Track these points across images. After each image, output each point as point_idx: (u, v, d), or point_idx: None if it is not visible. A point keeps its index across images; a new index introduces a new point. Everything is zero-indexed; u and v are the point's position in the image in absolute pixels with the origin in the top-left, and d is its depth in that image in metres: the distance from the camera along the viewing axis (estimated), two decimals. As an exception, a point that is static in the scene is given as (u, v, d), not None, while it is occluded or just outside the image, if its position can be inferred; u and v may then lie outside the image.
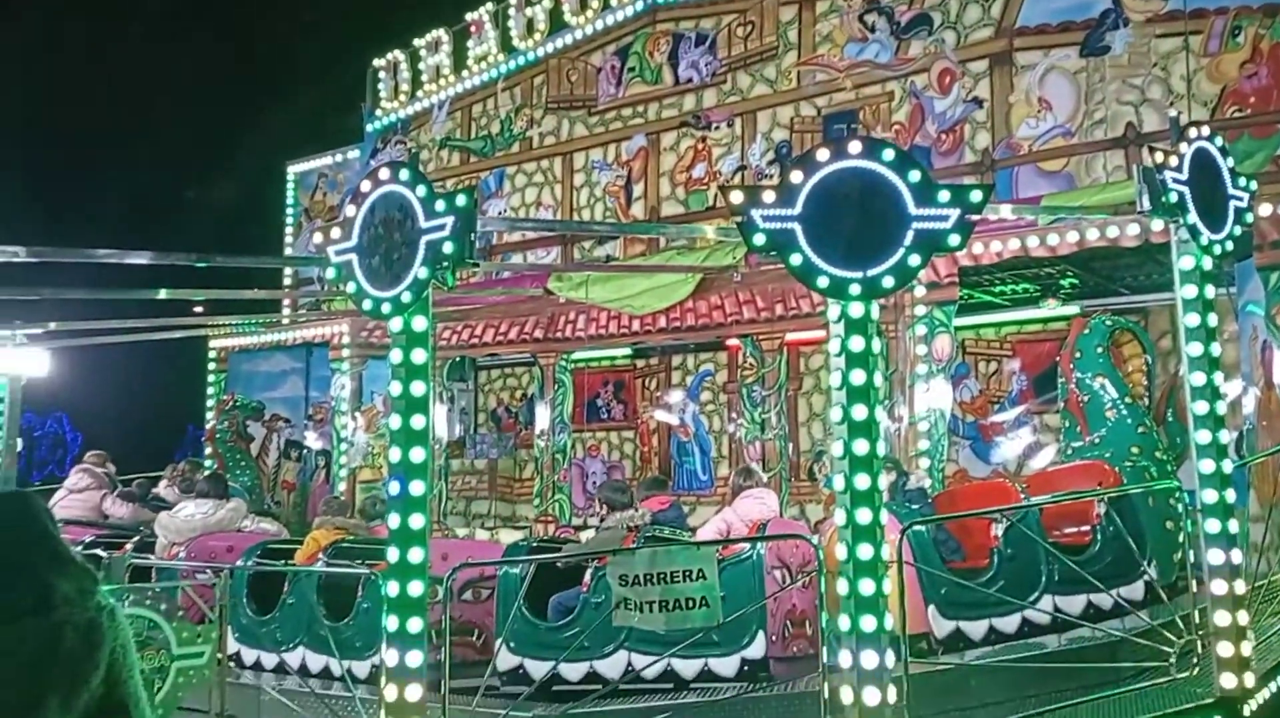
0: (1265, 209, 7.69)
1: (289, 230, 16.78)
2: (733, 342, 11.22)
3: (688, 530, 7.05)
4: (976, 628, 6.54)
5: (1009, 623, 6.58)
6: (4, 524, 2.66)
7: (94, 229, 22.59)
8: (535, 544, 7.97)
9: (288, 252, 16.59)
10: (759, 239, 4.80)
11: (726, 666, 6.08)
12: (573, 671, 6.19)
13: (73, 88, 24.97)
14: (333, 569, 7.22)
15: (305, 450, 13.86)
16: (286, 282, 15.82)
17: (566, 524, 11.06)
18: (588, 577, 6.47)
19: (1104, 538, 6.96)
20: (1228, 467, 5.62)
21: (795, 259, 4.76)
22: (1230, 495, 5.58)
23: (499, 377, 15.17)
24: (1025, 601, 6.57)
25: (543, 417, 11.75)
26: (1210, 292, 5.75)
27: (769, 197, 4.81)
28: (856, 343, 4.80)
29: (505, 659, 6.31)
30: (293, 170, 16.86)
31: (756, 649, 6.13)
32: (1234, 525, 5.52)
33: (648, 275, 10.92)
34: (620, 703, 5.92)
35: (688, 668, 6.10)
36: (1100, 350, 8.21)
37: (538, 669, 6.23)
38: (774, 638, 6.19)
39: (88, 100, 25.52)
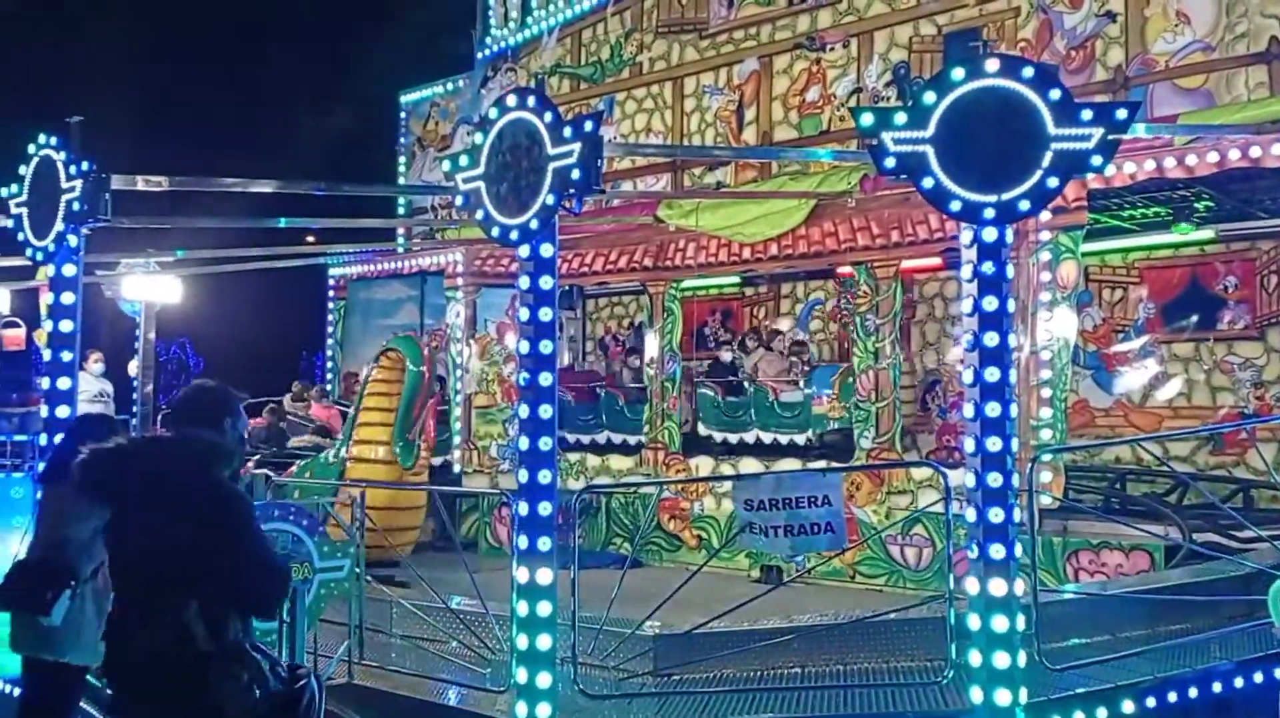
0: None
1: (402, 159, 17.01)
2: (845, 269, 11.05)
3: None
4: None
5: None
6: None
7: (207, 159, 23.20)
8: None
9: (401, 181, 16.82)
10: (890, 162, 4.72)
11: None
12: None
13: (185, 16, 25.46)
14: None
15: (422, 376, 14.21)
16: (400, 210, 16.08)
17: (676, 451, 11.17)
18: None
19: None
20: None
21: (927, 183, 4.68)
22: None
23: (606, 305, 15.26)
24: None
25: (651, 345, 11.79)
26: (1367, 214, 5.47)
27: (900, 118, 4.71)
28: (989, 268, 4.71)
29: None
30: (405, 99, 17.03)
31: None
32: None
33: (759, 202, 10.78)
34: (733, 624, 5.99)
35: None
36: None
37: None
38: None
39: (200, 30, 26.04)
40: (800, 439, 10.47)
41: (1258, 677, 5.03)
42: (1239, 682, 5.05)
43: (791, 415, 10.63)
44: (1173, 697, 4.90)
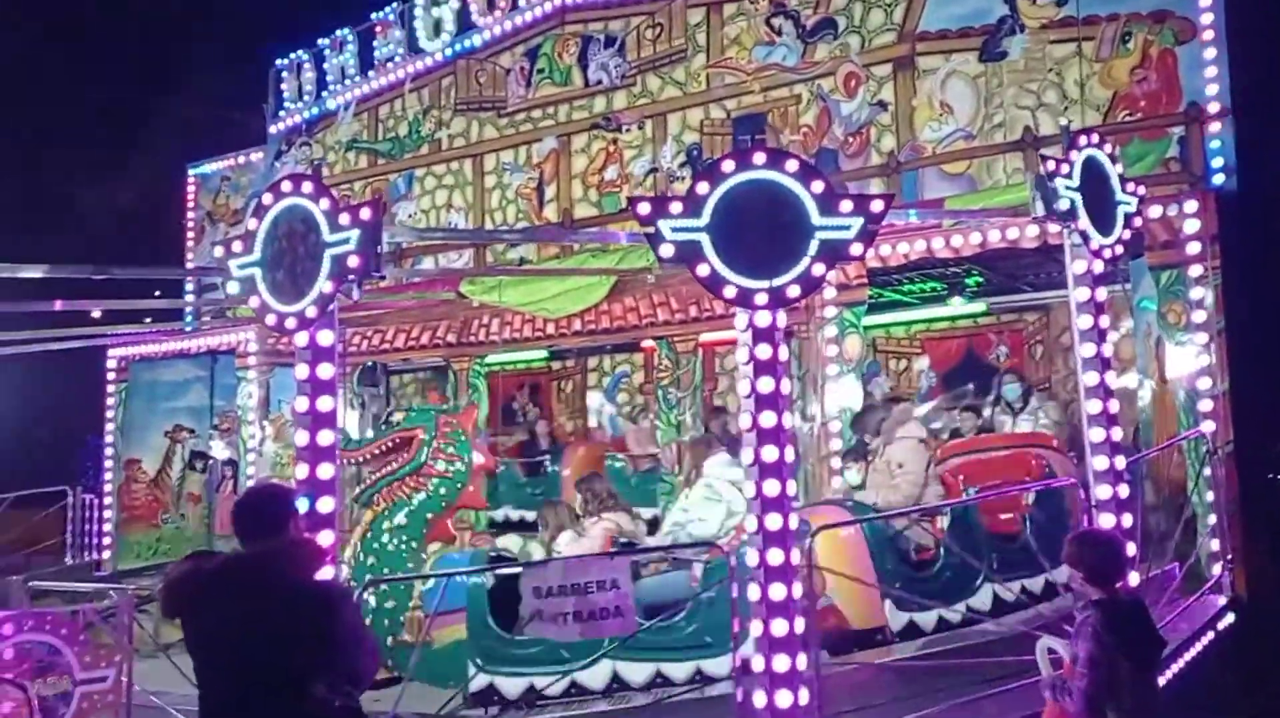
0: (1155, 211, 7.96)
1: (190, 234, 16.37)
2: (648, 343, 11.25)
3: None
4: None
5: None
6: None
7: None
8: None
9: (189, 257, 16.17)
10: (667, 250, 4.84)
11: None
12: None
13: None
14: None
15: (211, 461, 13.53)
16: (189, 288, 15.40)
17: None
18: None
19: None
20: (1120, 463, 5.83)
21: (702, 270, 4.81)
22: (1123, 491, 5.78)
23: (411, 381, 14.99)
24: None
25: (457, 422, 11.62)
26: (1101, 294, 5.95)
27: (676, 207, 4.84)
28: (764, 351, 4.86)
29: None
30: (194, 172, 16.45)
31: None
32: (1127, 520, 5.73)
33: (561, 278, 10.90)
34: (536, 715, 5.90)
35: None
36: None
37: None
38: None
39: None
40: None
41: None
42: None
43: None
44: None
